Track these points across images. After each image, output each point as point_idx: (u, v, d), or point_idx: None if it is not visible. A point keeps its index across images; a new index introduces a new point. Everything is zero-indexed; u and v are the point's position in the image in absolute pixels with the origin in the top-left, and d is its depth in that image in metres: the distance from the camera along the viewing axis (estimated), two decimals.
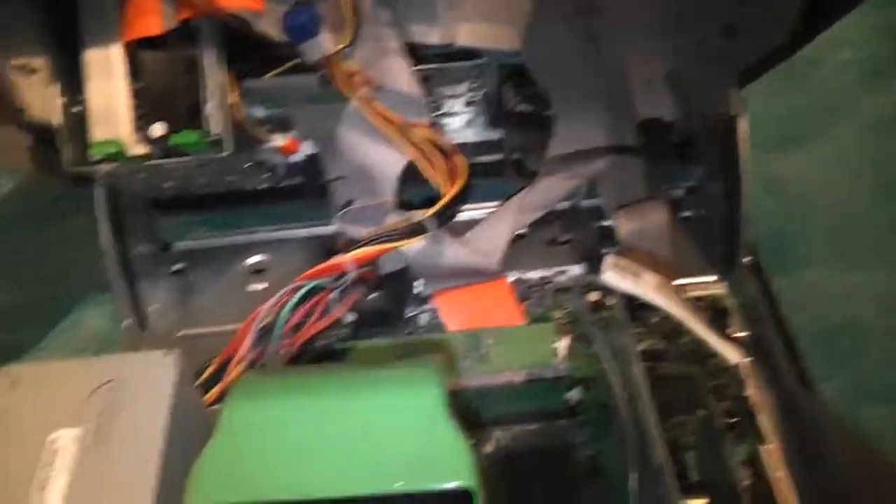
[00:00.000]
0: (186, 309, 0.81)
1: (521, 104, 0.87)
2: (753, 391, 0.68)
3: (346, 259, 0.65)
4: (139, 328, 0.77)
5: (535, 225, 0.84)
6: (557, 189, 0.83)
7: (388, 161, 0.73)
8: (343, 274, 0.65)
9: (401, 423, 0.50)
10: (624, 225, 0.80)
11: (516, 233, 0.82)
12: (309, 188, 0.79)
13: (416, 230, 0.67)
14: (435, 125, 0.75)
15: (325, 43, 0.68)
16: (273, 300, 0.63)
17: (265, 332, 0.63)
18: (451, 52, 0.75)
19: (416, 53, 0.74)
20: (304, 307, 0.64)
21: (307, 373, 0.59)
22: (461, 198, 0.70)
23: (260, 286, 0.81)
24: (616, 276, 0.60)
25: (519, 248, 0.83)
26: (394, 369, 0.53)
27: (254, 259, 0.82)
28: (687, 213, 0.87)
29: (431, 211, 0.68)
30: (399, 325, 0.78)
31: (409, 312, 0.79)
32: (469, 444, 0.48)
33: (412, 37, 0.73)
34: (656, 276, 0.62)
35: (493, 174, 0.88)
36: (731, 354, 0.61)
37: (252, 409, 0.50)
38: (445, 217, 0.69)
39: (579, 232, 0.85)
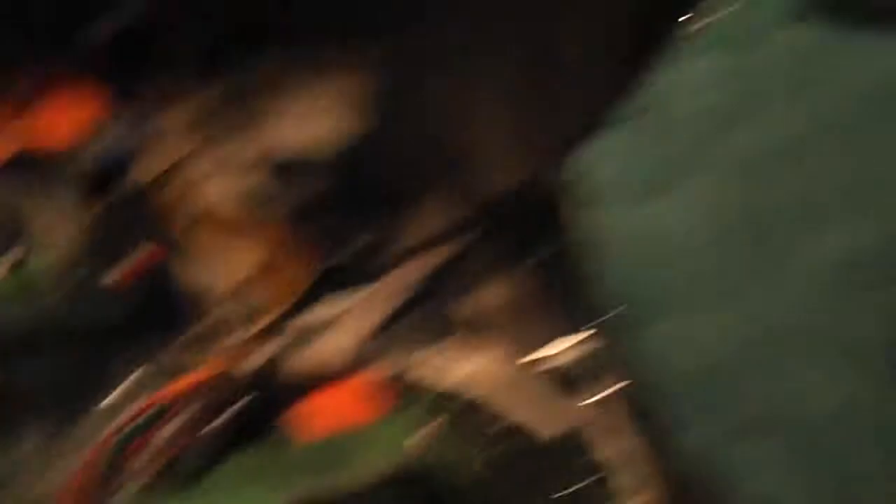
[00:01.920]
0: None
1: (376, 191, 0.88)
2: (609, 452, 0.69)
3: (171, 390, 0.65)
4: None
5: (398, 313, 0.84)
6: (419, 270, 0.84)
7: (238, 266, 0.74)
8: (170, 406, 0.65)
9: None
10: (481, 299, 0.81)
11: (380, 323, 0.82)
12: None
13: (244, 347, 0.68)
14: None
15: (161, 156, 0.70)
16: (96, 445, 0.62)
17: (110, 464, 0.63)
18: None
19: None
20: (142, 437, 0.63)
21: None
22: (293, 308, 0.69)
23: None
24: (431, 362, 0.61)
25: (386, 338, 0.83)
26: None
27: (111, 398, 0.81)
28: (543, 281, 0.86)
29: (260, 326, 0.68)
30: (261, 439, 0.77)
31: (273, 423, 0.78)
32: None
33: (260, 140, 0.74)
34: (476, 359, 0.62)
35: (352, 266, 0.88)
36: (554, 422, 0.62)
37: None
38: (279, 328, 0.69)
39: (442, 314, 0.84)
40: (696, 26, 1.26)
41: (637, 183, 1.06)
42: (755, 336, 0.87)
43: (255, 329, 0.69)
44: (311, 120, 0.73)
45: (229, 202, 0.70)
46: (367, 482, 0.67)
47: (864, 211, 0.96)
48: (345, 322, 0.82)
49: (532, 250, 0.89)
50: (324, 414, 0.76)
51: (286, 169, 0.76)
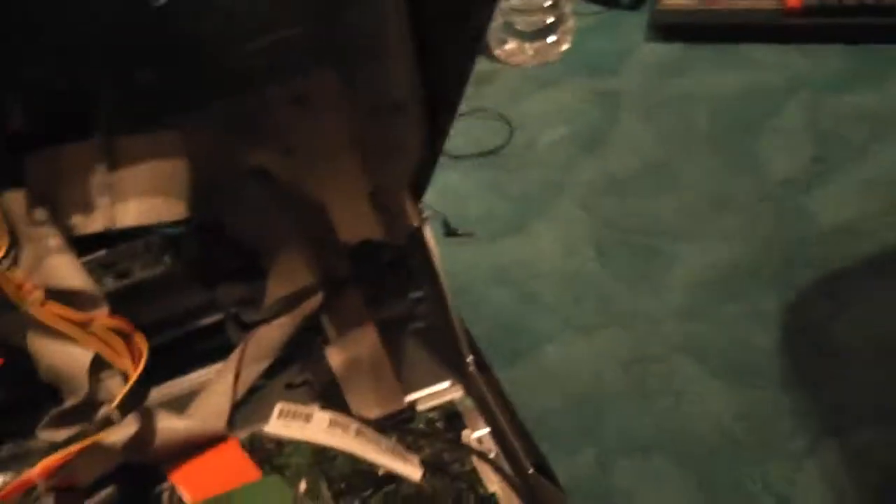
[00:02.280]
0: None
1: (228, 260, 0.87)
2: (493, 488, 0.70)
3: (32, 474, 0.63)
4: None
5: (269, 373, 0.84)
6: (279, 334, 0.83)
7: (74, 360, 0.71)
8: (32, 489, 0.63)
9: None
10: (337, 357, 0.80)
11: (251, 385, 0.81)
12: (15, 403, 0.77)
13: (103, 423, 0.66)
14: (113, 311, 0.73)
15: None
16: None
17: None
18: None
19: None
20: None
21: None
22: (159, 373, 0.68)
23: None
24: (281, 425, 0.60)
25: (259, 399, 0.81)
26: None
27: None
28: (418, 325, 0.86)
29: (115, 402, 0.66)
30: None
31: (150, 497, 0.76)
32: None
33: (74, 230, 0.72)
34: (327, 416, 0.62)
35: (217, 334, 0.87)
36: (410, 472, 0.61)
37: None
38: (135, 401, 0.67)
39: (313, 370, 0.84)
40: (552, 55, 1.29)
41: (506, 216, 1.08)
42: (638, 354, 0.88)
43: (114, 405, 0.66)
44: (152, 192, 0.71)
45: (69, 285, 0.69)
46: None
47: (724, 227, 0.99)
48: (215, 386, 0.81)
49: (399, 298, 0.88)
50: (206, 479, 0.75)
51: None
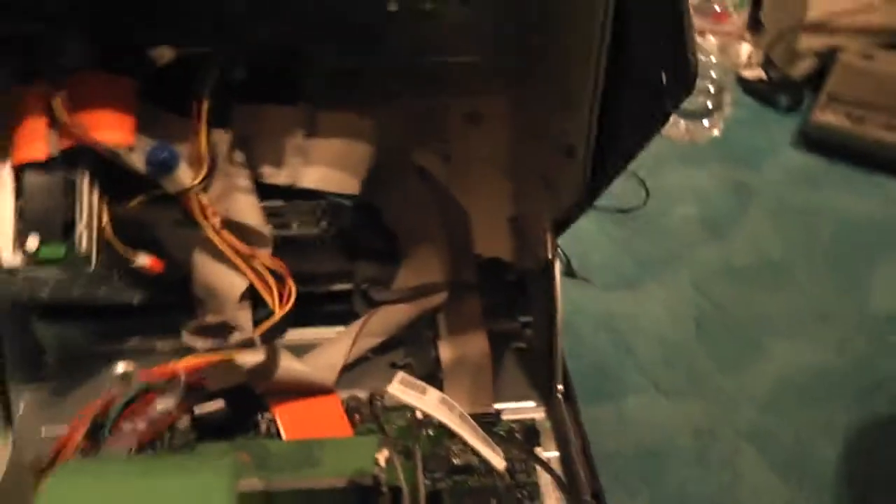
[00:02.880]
0: (53, 411, 0.87)
1: (373, 240, 0.96)
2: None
3: (178, 366, 0.73)
4: (5, 425, 0.84)
5: (379, 349, 0.93)
6: (398, 318, 0.93)
7: (231, 284, 0.81)
8: (175, 378, 0.73)
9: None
10: (446, 353, 0.89)
11: (360, 355, 0.91)
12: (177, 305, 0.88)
13: (244, 344, 0.75)
14: (275, 253, 0.82)
15: (183, 178, 0.77)
16: (104, 397, 0.70)
17: (98, 427, 0.70)
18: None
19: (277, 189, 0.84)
20: (133, 406, 0.71)
21: (116, 460, 0.67)
22: (289, 318, 0.77)
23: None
24: (401, 389, 0.69)
25: (364, 368, 0.91)
26: (189, 460, 0.60)
27: (121, 368, 0.88)
28: (520, 345, 0.95)
29: (259, 330, 0.76)
30: (241, 432, 0.85)
31: (251, 421, 0.86)
32: None
33: (262, 177, 0.82)
34: (439, 394, 0.71)
35: (344, 301, 0.96)
36: (496, 461, 0.70)
37: (62, 492, 0.58)
38: (273, 334, 0.76)
39: (417, 357, 0.93)
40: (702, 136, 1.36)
41: (623, 272, 1.15)
42: (710, 428, 0.95)
43: (258, 332, 0.76)
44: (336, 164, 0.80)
45: (246, 221, 0.78)
46: (331, 486, 0.71)
47: (822, 337, 1.05)
48: (333, 345, 0.90)
49: (510, 316, 0.97)
50: (303, 421, 0.83)
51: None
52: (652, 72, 0.64)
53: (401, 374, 0.74)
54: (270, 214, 0.87)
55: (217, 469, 0.60)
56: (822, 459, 0.94)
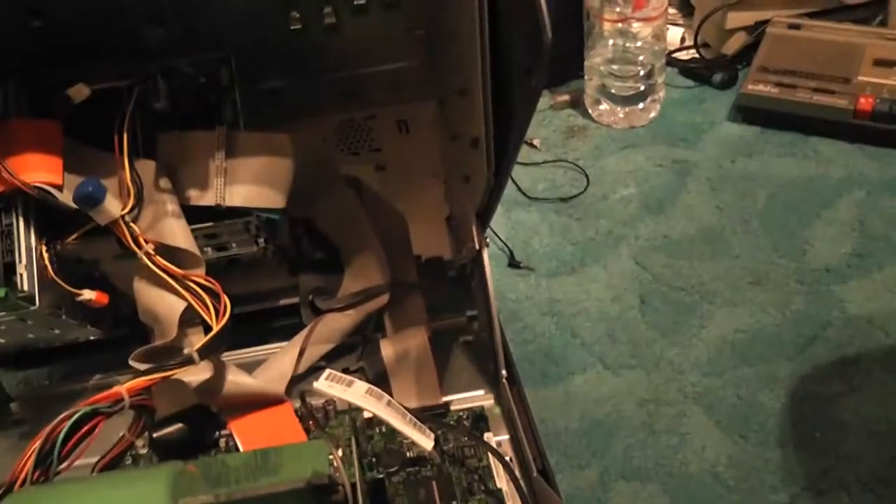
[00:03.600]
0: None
1: (314, 252, 1.00)
2: (501, 485, 0.81)
3: (122, 388, 0.76)
4: None
5: (332, 356, 0.96)
6: (343, 324, 0.96)
7: (170, 306, 0.85)
8: (119, 401, 0.76)
9: None
10: (389, 352, 0.92)
11: (312, 363, 0.94)
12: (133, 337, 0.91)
13: (184, 361, 0.79)
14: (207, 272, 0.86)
15: (111, 209, 0.81)
16: (52, 424, 0.73)
17: (46, 456, 0.74)
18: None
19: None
20: (80, 431, 0.75)
21: (59, 483, 0.70)
22: (225, 334, 0.80)
23: None
24: (327, 385, 0.73)
25: (317, 377, 0.93)
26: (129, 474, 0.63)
27: None
28: (467, 338, 0.98)
29: (198, 346, 0.79)
30: (202, 451, 0.88)
31: (210, 440, 0.89)
32: None
33: (189, 200, 0.85)
34: (366, 386, 0.74)
35: (292, 315, 0.99)
36: (424, 442, 0.73)
37: None
38: (211, 349, 0.80)
39: (369, 361, 0.96)
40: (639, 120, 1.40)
41: (565, 258, 1.19)
42: (655, 396, 0.98)
43: (196, 348, 0.79)
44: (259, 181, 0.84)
45: (177, 244, 0.81)
46: (287, 490, 0.73)
47: (759, 299, 1.09)
48: (282, 356, 0.93)
49: (456, 312, 1.00)
50: (259, 432, 0.87)
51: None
52: (520, 53, 0.68)
53: (328, 371, 0.77)
54: (206, 237, 0.89)
55: (154, 477, 0.63)
56: (766, 411, 0.97)
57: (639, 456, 0.95)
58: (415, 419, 0.78)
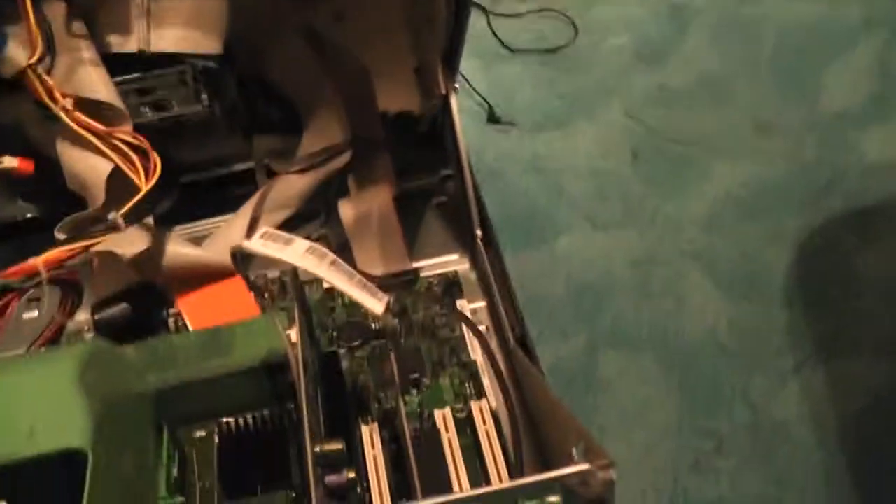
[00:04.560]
0: None
1: (270, 111, 0.90)
2: (475, 356, 0.72)
3: (37, 261, 0.67)
4: None
5: (294, 223, 0.87)
6: (299, 186, 0.86)
7: (95, 168, 0.75)
8: (36, 275, 0.67)
9: (32, 397, 0.53)
10: (347, 212, 0.83)
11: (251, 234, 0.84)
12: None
13: (109, 228, 0.69)
14: (136, 128, 0.76)
15: (16, 58, 0.71)
16: None
17: None
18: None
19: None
20: None
21: None
22: (156, 195, 0.71)
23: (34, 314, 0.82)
24: (261, 244, 0.63)
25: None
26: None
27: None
28: (441, 199, 0.88)
29: (123, 210, 0.70)
30: (149, 333, 0.79)
31: (158, 320, 0.80)
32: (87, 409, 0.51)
33: (108, 48, 0.75)
34: (306, 244, 0.64)
35: (248, 182, 0.90)
36: (375, 307, 0.64)
37: None
38: (139, 214, 0.71)
39: (333, 228, 0.87)
40: None
41: (551, 112, 1.09)
42: (649, 256, 0.89)
43: (121, 212, 0.70)
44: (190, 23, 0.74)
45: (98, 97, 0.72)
46: (241, 369, 0.67)
47: (766, 149, 0.99)
48: (230, 225, 0.84)
49: (423, 172, 0.90)
50: (210, 309, 0.78)
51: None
52: None
53: (263, 229, 0.67)
54: (139, 92, 0.80)
55: (60, 359, 0.55)
56: (772, 269, 0.89)
57: (630, 322, 0.86)
58: (365, 281, 0.68)
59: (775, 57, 1.12)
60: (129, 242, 0.73)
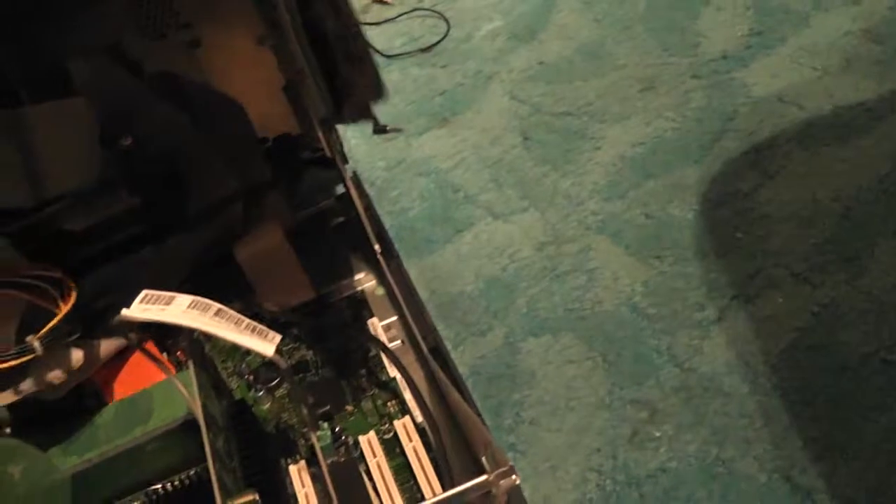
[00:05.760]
0: None
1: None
2: (393, 373, 0.70)
3: None
4: None
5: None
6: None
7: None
8: None
9: None
10: (241, 253, 0.81)
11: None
12: None
13: (24, 352, 0.67)
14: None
15: None
16: None
17: None
18: None
19: None
20: None
21: None
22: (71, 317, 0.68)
23: None
24: (140, 309, 0.61)
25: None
26: None
27: None
28: (339, 219, 0.86)
29: (39, 334, 0.67)
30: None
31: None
32: None
33: None
34: (189, 299, 0.62)
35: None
36: (265, 349, 0.62)
37: None
38: (57, 337, 0.68)
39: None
40: None
41: (434, 110, 1.07)
42: (553, 236, 0.87)
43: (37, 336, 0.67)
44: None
45: None
46: (162, 431, 0.67)
47: (653, 106, 0.98)
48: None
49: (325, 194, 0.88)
50: (126, 379, 0.76)
51: None
52: None
53: (144, 292, 0.65)
54: None
55: None
56: (679, 224, 0.88)
57: (545, 306, 0.84)
58: (255, 324, 0.66)
59: (648, 13, 1.11)
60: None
